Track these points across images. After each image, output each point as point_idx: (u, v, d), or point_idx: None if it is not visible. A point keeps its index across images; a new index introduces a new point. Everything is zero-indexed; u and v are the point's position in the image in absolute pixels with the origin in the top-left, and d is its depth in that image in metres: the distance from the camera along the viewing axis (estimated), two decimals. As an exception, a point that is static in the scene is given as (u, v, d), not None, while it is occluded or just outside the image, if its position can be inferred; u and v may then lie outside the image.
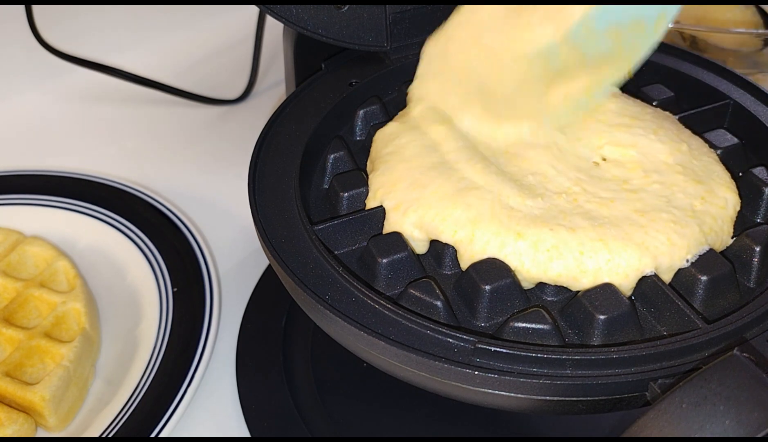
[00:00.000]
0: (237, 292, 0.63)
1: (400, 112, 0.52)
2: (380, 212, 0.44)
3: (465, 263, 0.42)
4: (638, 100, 0.51)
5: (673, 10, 0.42)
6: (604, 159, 0.46)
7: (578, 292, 0.40)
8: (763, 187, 0.45)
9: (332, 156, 0.49)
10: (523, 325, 0.38)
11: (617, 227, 0.41)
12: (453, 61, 0.48)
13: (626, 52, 0.43)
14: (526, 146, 0.47)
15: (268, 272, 0.63)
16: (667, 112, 0.51)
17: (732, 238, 0.44)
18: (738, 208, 0.44)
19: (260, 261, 0.65)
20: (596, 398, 0.36)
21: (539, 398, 0.36)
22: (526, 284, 0.41)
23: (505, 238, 0.41)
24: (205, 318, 0.57)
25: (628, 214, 0.42)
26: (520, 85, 0.45)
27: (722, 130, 0.50)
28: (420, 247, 0.44)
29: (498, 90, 0.46)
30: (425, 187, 0.44)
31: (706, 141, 0.49)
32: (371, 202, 0.45)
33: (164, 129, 0.82)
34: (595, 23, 0.41)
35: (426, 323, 0.38)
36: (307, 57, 0.57)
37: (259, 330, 0.59)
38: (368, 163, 0.49)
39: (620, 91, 0.51)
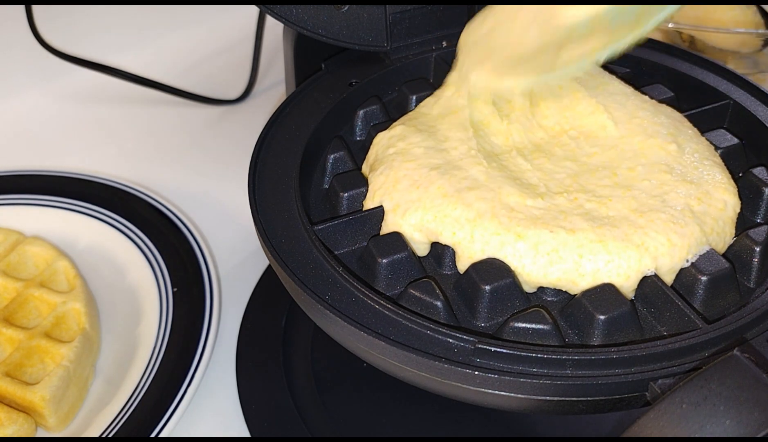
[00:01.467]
0: (237, 292, 0.63)
1: (407, 115, 0.51)
2: (380, 212, 0.44)
3: (464, 264, 0.41)
4: (642, 94, 0.51)
5: None
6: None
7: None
8: (763, 188, 0.45)
9: (332, 156, 0.49)
10: (523, 325, 0.38)
11: (616, 227, 0.41)
12: (482, 33, 0.49)
13: (645, 19, 0.43)
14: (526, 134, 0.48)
15: (268, 272, 0.63)
16: (671, 110, 0.51)
17: (733, 238, 0.44)
18: (738, 210, 0.44)
19: (260, 261, 0.65)
20: (596, 398, 0.36)
21: (539, 398, 0.36)
22: (527, 288, 0.41)
23: (505, 237, 0.41)
24: (205, 318, 0.57)
25: (627, 214, 0.42)
26: (537, 47, 0.45)
27: (722, 130, 0.50)
28: (421, 249, 0.43)
29: (514, 51, 0.47)
30: (426, 189, 0.44)
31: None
32: (369, 203, 0.45)
33: (164, 129, 0.82)
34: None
35: (426, 323, 0.38)
36: (307, 57, 0.57)
37: (259, 330, 0.59)
38: (364, 165, 0.49)
39: (628, 86, 0.52)
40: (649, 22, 0.43)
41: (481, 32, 0.49)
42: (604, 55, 0.44)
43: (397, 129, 0.49)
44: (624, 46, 0.44)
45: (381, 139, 0.49)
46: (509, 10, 0.48)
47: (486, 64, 0.48)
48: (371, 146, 0.49)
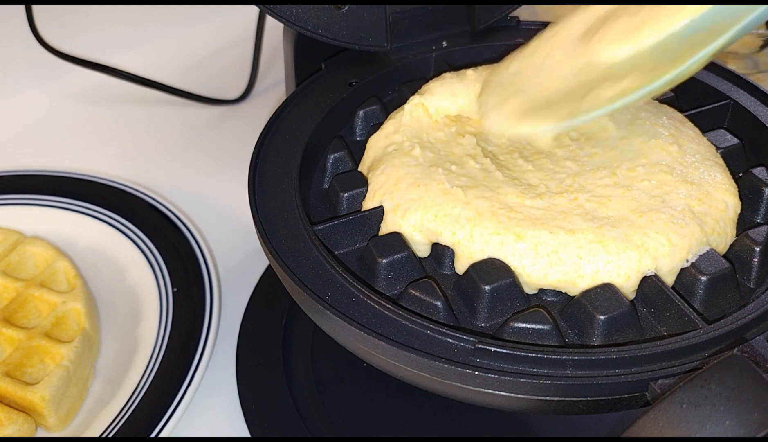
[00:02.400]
0: (237, 292, 0.63)
1: (394, 113, 0.51)
2: (380, 212, 0.44)
3: (463, 265, 0.41)
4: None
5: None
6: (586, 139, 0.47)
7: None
8: (763, 188, 0.45)
9: (332, 156, 0.49)
10: (523, 325, 0.38)
11: (616, 227, 0.41)
12: (509, 73, 0.48)
13: (690, 53, 0.39)
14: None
15: (268, 272, 0.63)
16: (672, 110, 0.51)
17: (734, 239, 0.44)
18: (738, 211, 0.44)
19: (260, 261, 0.65)
20: (596, 399, 0.36)
21: (539, 398, 0.36)
22: (527, 289, 0.41)
23: (504, 237, 0.41)
24: (205, 318, 0.57)
25: (626, 214, 0.42)
26: (567, 89, 0.43)
27: (722, 130, 0.50)
28: (422, 251, 0.43)
29: (541, 93, 0.45)
30: (426, 187, 0.44)
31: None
32: (369, 203, 0.45)
33: (164, 129, 0.82)
34: (687, 30, 0.39)
35: (426, 323, 0.38)
36: (307, 57, 0.57)
37: (259, 330, 0.59)
38: (361, 167, 0.49)
39: None
40: (693, 57, 0.38)
41: (508, 72, 0.48)
42: (635, 97, 0.40)
43: (390, 129, 0.49)
44: (659, 87, 0.39)
45: (376, 141, 0.49)
46: (541, 49, 0.46)
47: (506, 106, 0.46)
48: (366, 149, 0.49)
